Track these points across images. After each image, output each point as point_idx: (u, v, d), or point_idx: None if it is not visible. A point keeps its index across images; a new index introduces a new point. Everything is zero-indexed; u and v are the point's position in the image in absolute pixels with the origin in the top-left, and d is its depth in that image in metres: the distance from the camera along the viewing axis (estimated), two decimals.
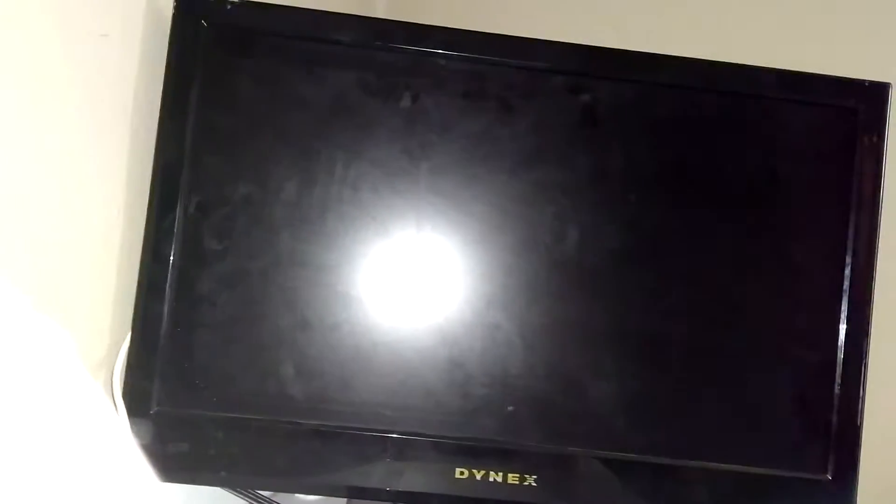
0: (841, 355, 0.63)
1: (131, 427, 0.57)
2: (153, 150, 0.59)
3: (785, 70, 0.65)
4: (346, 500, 0.68)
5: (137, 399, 0.58)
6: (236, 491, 0.63)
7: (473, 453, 0.60)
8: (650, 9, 0.86)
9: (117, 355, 0.58)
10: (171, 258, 0.58)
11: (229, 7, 0.60)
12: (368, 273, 0.61)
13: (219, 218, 0.59)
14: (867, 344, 0.63)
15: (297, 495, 0.71)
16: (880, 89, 0.65)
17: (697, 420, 0.63)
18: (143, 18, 0.58)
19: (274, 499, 0.66)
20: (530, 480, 0.60)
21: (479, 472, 0.60)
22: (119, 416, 0.56)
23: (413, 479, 0.60)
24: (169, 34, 0.59)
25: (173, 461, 0.58)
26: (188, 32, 0.59)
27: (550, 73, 0.63)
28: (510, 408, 0.61)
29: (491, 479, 0.60)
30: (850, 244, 0.64)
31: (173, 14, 0.59)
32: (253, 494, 0.63)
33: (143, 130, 0.60)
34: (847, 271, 0.63)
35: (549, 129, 0.63)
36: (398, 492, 0.60)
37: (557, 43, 0.63)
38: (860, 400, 0.63)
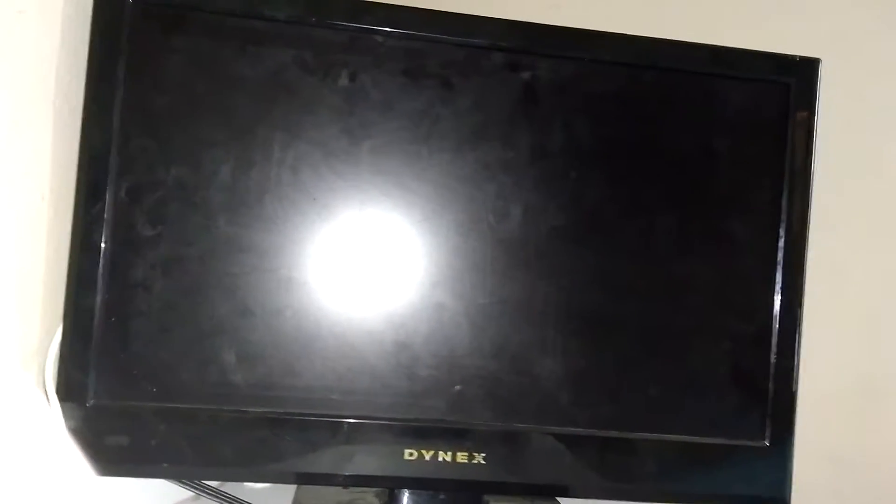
0: (776, 325, 0.65)
1: (66, 421, 0.55)
2: (79, 134, 0.57)
3: (719, 46, 0.66)
4: (295, 486, 0.67)
5: (72, 392, 0.55)
6: (181, 482, 0.61)
7: (422, 434, 0.60)
8: None
9: (49, 347, 0.56)
10: (103, 245, 0.56)
11: None
12: (311, 256, 0.60)
13: (151, 203, 0.57)
14: (801, 314, 0.65)
15: (245, 484, 0.69)
16: (811, 64, 0.66)
17: (641, 393, 0.64)
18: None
19: (221, 489, 0.64)
20: (479, 458, 0.60)
21: (427, 452, 0.60)
22: (52, 410, 0.54)
23: (362, 462, 0.59)
24: (91, 11, 0.56)
25: (112, 455, 0.56)
26: (112, 9, 0.57)
27: (490, 49, 0.62)
28: (457, 387, 0.61)
29: (440, 459, 0.60)
30: (783, 217, 0.65)
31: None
32: (199, 485, 0.62)
33: (68, 112, 0.57)
34: (781, 243, 0.65)
35: (491, 107, 0.62)
36: (348, 476, 0.59)
37: (497, 20, 0.62)
38: (794, 369, 0.65)
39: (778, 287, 0.65)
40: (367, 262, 0.61)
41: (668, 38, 0.65)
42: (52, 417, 0.54)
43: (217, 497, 0.63)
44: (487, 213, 0.62)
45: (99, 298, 0.56)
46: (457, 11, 0.62)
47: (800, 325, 0.65)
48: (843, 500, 0.80)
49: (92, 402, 0.56)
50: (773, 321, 0.65)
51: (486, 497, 0.67)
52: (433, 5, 0.62)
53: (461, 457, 0.60)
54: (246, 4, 0.59)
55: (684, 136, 0.65)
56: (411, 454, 0.60)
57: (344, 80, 0.60)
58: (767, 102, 0.66)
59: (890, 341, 0.80)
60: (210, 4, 0.59)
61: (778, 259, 0.65)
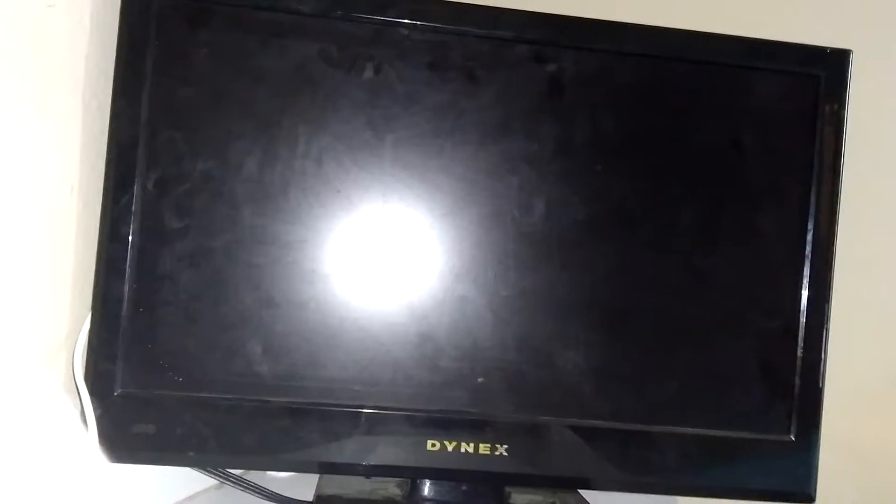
0: (803, 320, 0.64)
1: (94, 409, 0.56)
2: (107, 126, 0.57)
3: (748, 38, 0.65)
4: (318, 475, 0.68)
5: (100, 381, 0.56)
6: (206, 470, 0.62)
7: (444, 425, 0.60)
8: None
9: (77, 337, 0.57)
10: (130, 237, 0.57)
11: None
12: (334, 249, 0.60)
13: (178, 195, 0.58)
14: (828, 309, 0.64)
15: (268, 473, 0.70)
16: (841, 56, 0.65)
17: (664, 386, 0.63)
18: None
19: (245, 476, 0.65)
20: (501, 450, 0.61)
21: (450, 443, 0.60)
22: (82, 399, 0.55)
23: (385, 452, 0.60)
24: (120, 4, 0.57)
25: (139, 442, 0.57)
26: (140, 3, 0.57)
27: (515, 42, 0.62)
28: (480, 379, 0.61)
29: (462, 451, 0.60)
30: (811, 211, 0.64)
31: None
32: (223, 473, 0.63)
33: (96, 106, 0.58)
34: (809, 237, 0.64)
35: (515, 100, 0.62)
36: (370, 465, 0.60)
37: (522, 12, 0.62)
38: (822, 364, 0.64)
39: (806, 281, 0.64)
40: (390, 255, 0.61)
41: (695, 29, 0.64)
42: (81, 405, 0.55)
43: (241, 485, 0.64)
44: (511, 207, 0.62)
45: (127, 289, 0.57)
46: (481, 3, 0.62)
47: (827, 320, 0.64)
48: (869, 495, 0.79)
49: (119, 390, 0.57)
50: (801, 316, 0.64)
51: (507, 488, 0.67)
52: None
53: (483, 448, 0.60)
54: None
55: (711, 129, 0.65)
56: (434, 445, 0.60)
57: (369, 73, 0.60)
58: (797, 95, 0.65)
59: None
60: None
61: (806, 253, 0.64)
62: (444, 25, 0.61)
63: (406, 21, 0.60)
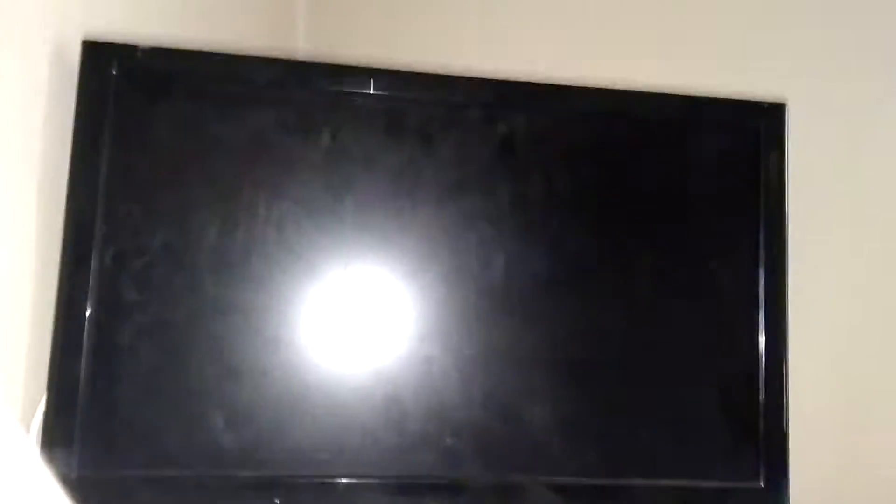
0: (762, 364, 0.65)
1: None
2: (64, 201, 0.57)
3: (688, 95, 0.68)
4: None
5: (56, 464, 0.54)
6: None
7: (414, 491, 0.59)
8: (556, 38, 0.88)
9: (32, 419, 0.55)
10: (88, 312, 0.56)
11: (140, 53, 0.58)
12: (298, 315, 0.60)
13: (138, 268, 0.57)
14: (786, 351, 0.66)
15: None
16: (778, 108, 0.69)
17: (632, 438, 0.64)
18: (48, 61, 0.56)
19: None
20: None
21: None
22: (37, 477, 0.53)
23: None
24: (78, 75, 0.57)
25: None
26: (97, 78, 0.58)
27: (467, 106, 0.64)
28: (448, 440, 0.60)
29: None
30: (762, 256, 0.66)
31: (80, 61, 0.57)
32: None
33: (53, 179, 0.57)
34: (761, 283, 0.66)
35: (470, 160, 0.64)
36: None
37: (472, 78, 0.64)
38: (784, 406, 0.65)
39: (762, 326, 0.66)
40: (353, 318, 0.61)
41: (643, 85, 0.66)
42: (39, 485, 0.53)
43: None
44: (472, 264, 0.62)
45: (83, 365, 0.55)
46: (435, 69, 0.64)
47: (786, 362, 0.66)
48: None
49: (77, 473, 0.55)
50: (760, 360, 0.65)
51: None
52: (414, 56, 0.63)
53: None
54: (227, 70, 0.61)
55: (660, 182, 0.67)
56: None
57: (326, 139, 0.61)
58: (739, 147, 0.68)
59: (874, 371, 0.80)
60: (192, 72, 0.60)
61: (759, 298, 0.66)
62: (398, 93, 0.63)
63: (360, 91, 0.62)
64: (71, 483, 0.54)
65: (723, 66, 0.83)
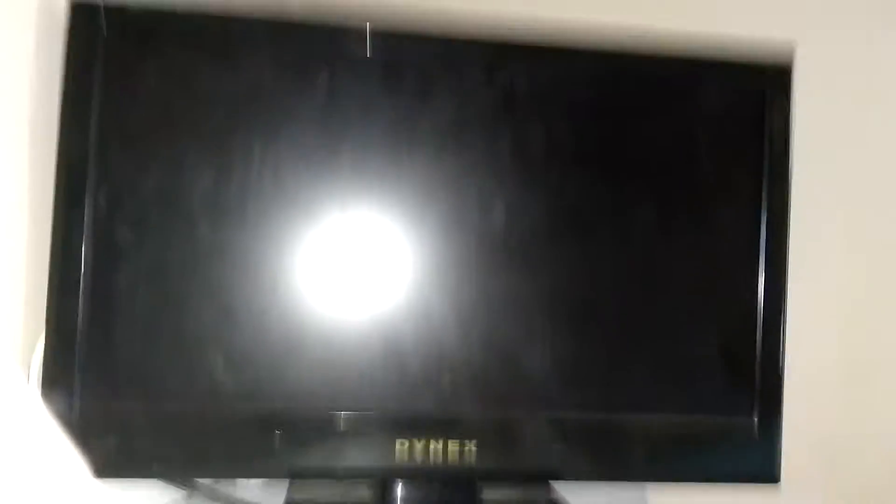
0: (761, 309, 0.65)
1: (53, 425, 0.55)
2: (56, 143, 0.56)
3: (694, 58, 0.65)
4: (287, 481, 0.68)
5: (57, 396, 0.55)
6: (173, 482, 0.62)
7: (412, 424, 0.60)
8: None
9: (32, 355, 0.56)
10: (83, 253, 0.56)
11: (128, 14, 0.56)
12: (294, 258, 0.59)
13: (132, 209, 0.57)
14: (785, 298, 0.66)
15: (238, 480, 0.70)
16: (784, 68, 0.66)
17: (630, 376, 0.64)
18: (36, 16, 0.54)
19: (215, 486, 0.65)
20: (470, 446, 0.61)
21: (418, 442, 0.60)
22: (38, 414, 0.54)
23: (354, 455, 0.59)
24: (67, 22, 0.55)
25: (102, 457, 0.56)
26: (87, 21, 0.56)
27: (467, 61, 0.62)
28: (447, 379, 0.61)
29: (431, 448, 0.60)
30: (764, 203, 0.65)
31: (68, 21, 0.55)
32: (190, 484, 0.62)
33: (44, 122, 0.56)
34: (763, 229, 0.65)
35: (471, 106, 0.62)
36: (340, 468, 0.60)
37: (472, 40, 0.62)
38: (781, 349, 0.66)
39: (762, 271, 0.65)
40: (351, 263, 0.61)
41: (646, 29, 0.64)
42: (40, 423, 0.54)
43: (209, 495, 0.63)
44: (471, 210, 0.61)
45: (81, 304, 0.55)
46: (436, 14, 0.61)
47: (784, 308, 0.66)
48: (834, 481, 0.80)
49: (78, 405, 0.56)
50: (759, 305, 0.65)
51: (479, 484, 0.67)
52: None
53: (452, 445, 0.61)
54: (220, 30, 0.58)
55: (663, 133, 0.65)
56: (402, 444, 0.60)
57: (323, 82, 0.59)
58: (745, 102, 0.66)
59: (873, 328, 0.80)
60: (183, 30, 0.58)
61: (761, 245, 0.65)
62: (395, 57, 0.61)
63: (360, 29, 0.60)
64: (72, 414, 0.56)
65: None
